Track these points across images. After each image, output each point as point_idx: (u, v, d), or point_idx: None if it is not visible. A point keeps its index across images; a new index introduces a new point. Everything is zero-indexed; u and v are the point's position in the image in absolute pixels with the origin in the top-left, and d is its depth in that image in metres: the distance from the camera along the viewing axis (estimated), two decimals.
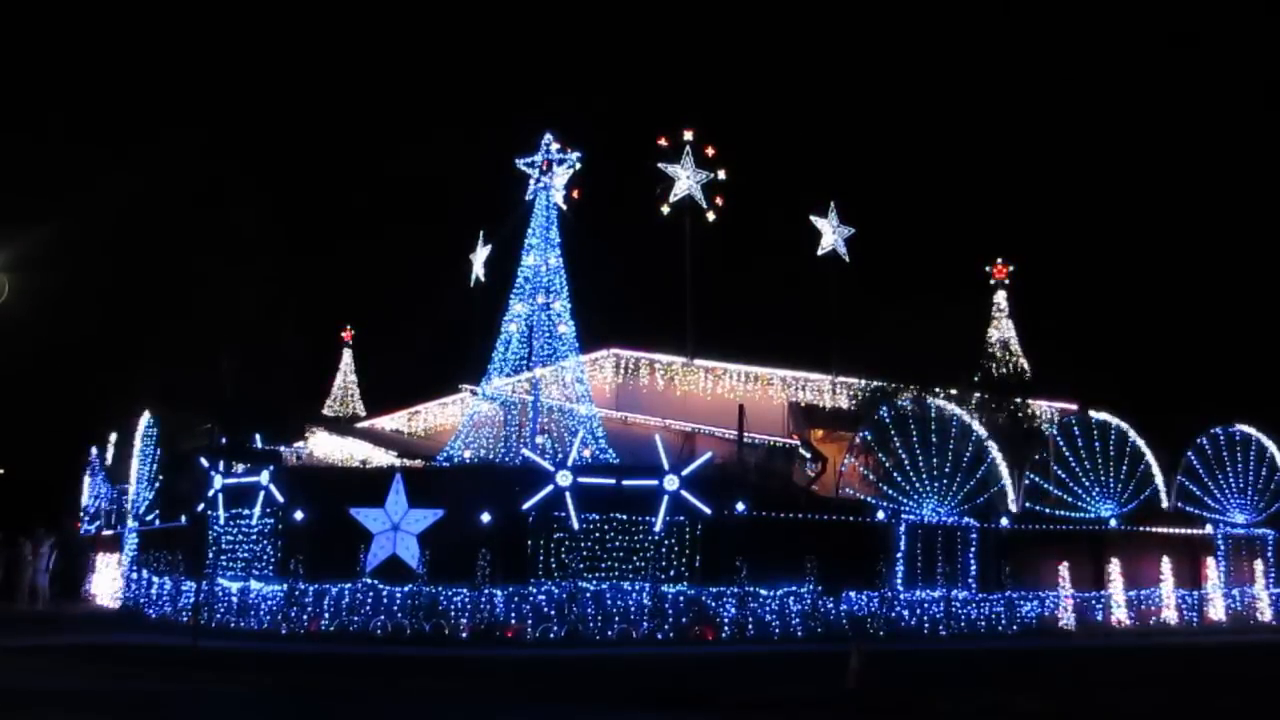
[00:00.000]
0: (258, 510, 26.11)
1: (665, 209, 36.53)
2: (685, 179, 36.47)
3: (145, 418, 35.18)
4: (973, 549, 28.28)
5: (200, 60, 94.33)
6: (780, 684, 16.51)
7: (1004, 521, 28.98)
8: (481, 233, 40.84)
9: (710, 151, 36.77)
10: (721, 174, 36.73)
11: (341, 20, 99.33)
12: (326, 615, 24.57)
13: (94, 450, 42.56)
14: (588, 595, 24.12)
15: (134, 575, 32.88)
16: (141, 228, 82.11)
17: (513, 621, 24.00)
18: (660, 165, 36.53)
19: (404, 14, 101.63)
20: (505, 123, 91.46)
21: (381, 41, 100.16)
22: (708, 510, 24.77)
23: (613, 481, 25.19)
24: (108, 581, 37.68)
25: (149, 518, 34.10)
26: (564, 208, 31.93)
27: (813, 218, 39.93)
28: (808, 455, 31.89)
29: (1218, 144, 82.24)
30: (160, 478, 33.52)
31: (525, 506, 24.48)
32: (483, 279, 40.08)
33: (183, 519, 30.08)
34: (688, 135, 36.76)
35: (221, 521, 27.09)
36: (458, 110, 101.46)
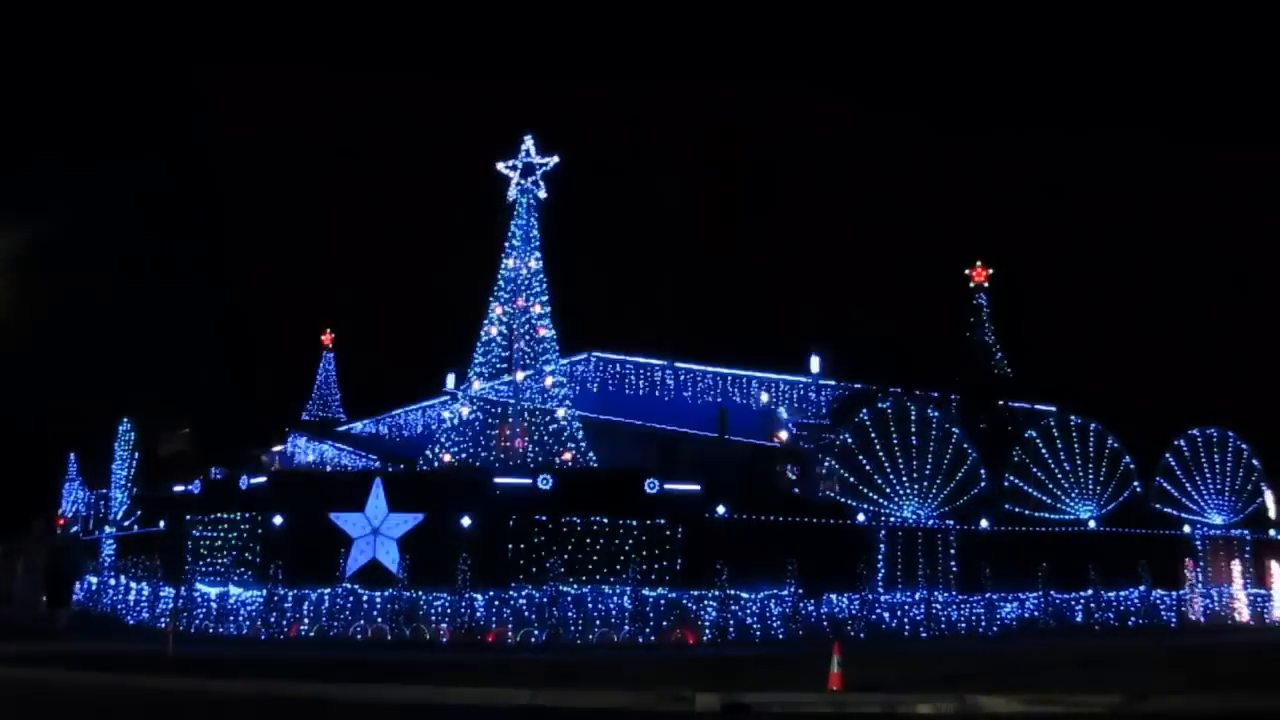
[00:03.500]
0: (237, 515, 25.96)
1: (650, 213, 36.59)
2: (671, 185, 36.56)
3: (124, 423, 34.99)
4: (953, 550, 28.41)
5: (189, 61, 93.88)
6: (762, 687, 16.48)
7: (984, 523, 29.11)
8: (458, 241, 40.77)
9: (700, 156, 36.87)
10: (710, 177, 36.84)
11: (328, 21, 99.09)
12: (306, 620, 24.46)
13: (72, 455, 42.27)
14: (568, 599, 24.05)
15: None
16: (120, 233, 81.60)
17: (493, 625, 23.93)
18: (645, 169, 36.61)
19: (399, 17, 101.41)
20: (486, 126, 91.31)
21: (372, 44, 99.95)
22: (689, 512, 24.78)
23: (593, 484, 25.18)
24: None
25: (127, 523, 33.88)
26: (543, 211, 31.90)
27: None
28: (788, 458, 31.93)
29: (1201, 148, 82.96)
30: (138, 483, 33.32)
31: (505, 510, 24.42)
32: (462, 285, 40.04)
33: (161, 524, 29.87)
34: (678, 139, 36.84)
35: (200, 527, 26.88)
36: (443, 114, 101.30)
